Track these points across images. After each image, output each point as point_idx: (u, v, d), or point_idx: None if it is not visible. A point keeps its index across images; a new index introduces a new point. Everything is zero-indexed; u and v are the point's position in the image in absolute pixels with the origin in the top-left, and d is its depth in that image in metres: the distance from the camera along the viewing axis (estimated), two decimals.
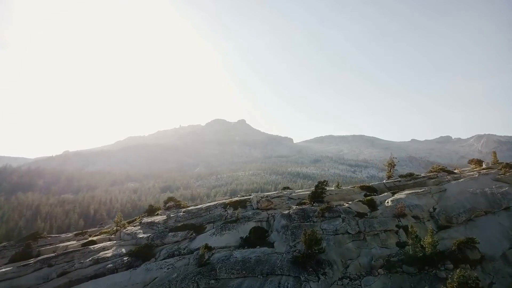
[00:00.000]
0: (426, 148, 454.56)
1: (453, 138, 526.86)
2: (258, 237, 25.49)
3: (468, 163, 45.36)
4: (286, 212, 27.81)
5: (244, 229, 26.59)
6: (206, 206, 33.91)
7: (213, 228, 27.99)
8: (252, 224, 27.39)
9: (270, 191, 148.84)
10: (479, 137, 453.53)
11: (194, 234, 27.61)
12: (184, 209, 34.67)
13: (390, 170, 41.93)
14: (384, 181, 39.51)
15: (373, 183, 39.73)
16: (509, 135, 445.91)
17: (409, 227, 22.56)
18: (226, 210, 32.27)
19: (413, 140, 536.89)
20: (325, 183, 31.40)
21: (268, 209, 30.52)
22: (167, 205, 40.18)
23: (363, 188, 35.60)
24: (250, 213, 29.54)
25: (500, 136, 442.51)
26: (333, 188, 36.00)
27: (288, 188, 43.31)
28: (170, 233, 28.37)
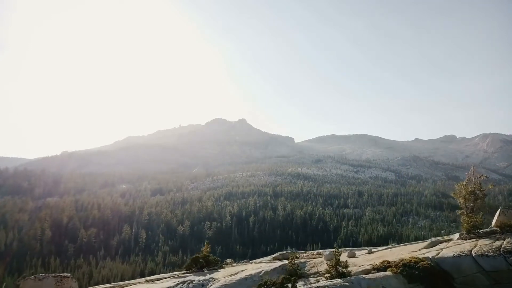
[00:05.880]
0: (430, 147, 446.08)
1: (457, 137, 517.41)
2: None
3: None
4: None
5: None
6: None
7: None
8: None
9: (268, 194, 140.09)
10: (484, 136, 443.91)
11: None
12: None
13: (473, 207, 17.64)
14: (462, 240, 16.19)
15: (430, 246, 16.50)
16: None
17: None
18: None
19: (416, 140, 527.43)
20: (292, 281, 11.93)
21: None
22: None
23: (408, 273, 12.88)
24: None
25: (506, 135, 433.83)
26: (323, 271, 14.07)
27: (210, 263, 18.68)
28: None
